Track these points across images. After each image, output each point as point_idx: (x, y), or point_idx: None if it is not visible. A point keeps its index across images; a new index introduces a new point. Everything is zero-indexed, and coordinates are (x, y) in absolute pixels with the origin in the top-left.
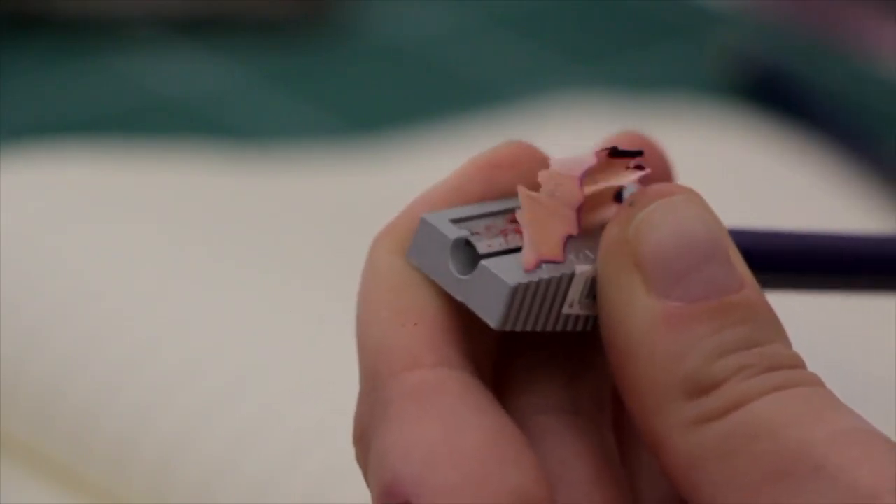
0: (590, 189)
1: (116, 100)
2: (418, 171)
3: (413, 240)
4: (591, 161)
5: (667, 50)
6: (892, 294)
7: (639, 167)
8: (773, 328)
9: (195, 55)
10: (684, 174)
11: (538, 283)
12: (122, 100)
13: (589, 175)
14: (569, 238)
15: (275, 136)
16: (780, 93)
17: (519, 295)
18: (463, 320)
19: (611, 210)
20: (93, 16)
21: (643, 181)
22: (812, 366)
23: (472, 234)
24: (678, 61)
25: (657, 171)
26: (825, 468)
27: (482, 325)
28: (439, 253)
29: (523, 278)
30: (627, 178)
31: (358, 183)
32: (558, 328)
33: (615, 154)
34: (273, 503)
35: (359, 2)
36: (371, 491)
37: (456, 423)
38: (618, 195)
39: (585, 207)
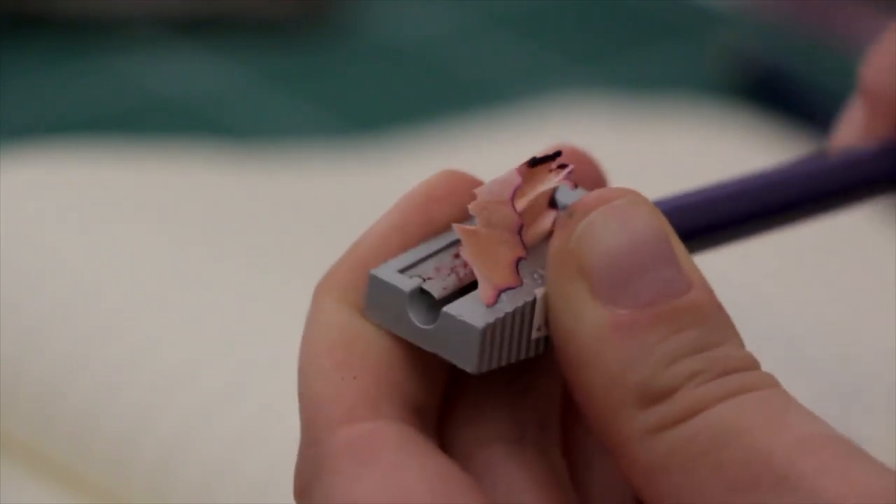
0: (522, 203)
1: (116, 100)
2: (418, 171)
3: (366, 297)
4: (517, 180)
5: (667, 50)
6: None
7: (562, 166)
8: (724, 329)
9: (195, 55)
10: (684, 174)
11: (504, 318)
12: (122, 100)
13: (518, 192)
14: (519, 260)
15: (275, 136)
16: (780, 93)
17: (489, 335)
18: (408, 364)
19: (549, 217)
20: (93, 16)
21: (570, 178)
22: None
23: (425, 279)
24: (678, 61)
25: (590, 179)
26: (789, 477)
27: (428, 366)
28: (397, 307)
29: (489, 317)
30: (555, 180)
31: (358, 183)
32: (531, 354)
33: (535, 163)
34: (273, 503)
35: (359, 2)
36: None
37: (398, 474)
38: (552, 200)
39: (525, 224)
